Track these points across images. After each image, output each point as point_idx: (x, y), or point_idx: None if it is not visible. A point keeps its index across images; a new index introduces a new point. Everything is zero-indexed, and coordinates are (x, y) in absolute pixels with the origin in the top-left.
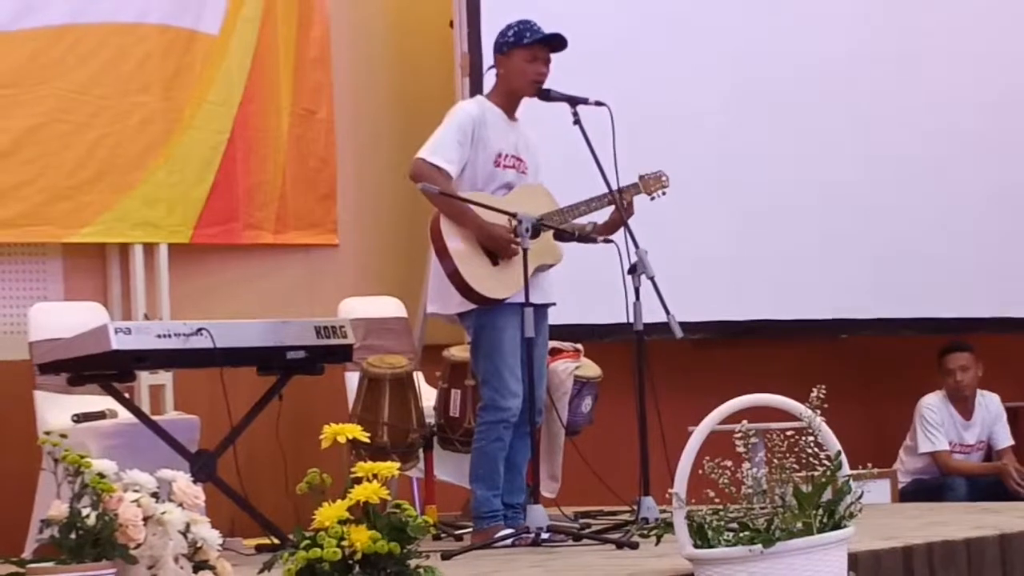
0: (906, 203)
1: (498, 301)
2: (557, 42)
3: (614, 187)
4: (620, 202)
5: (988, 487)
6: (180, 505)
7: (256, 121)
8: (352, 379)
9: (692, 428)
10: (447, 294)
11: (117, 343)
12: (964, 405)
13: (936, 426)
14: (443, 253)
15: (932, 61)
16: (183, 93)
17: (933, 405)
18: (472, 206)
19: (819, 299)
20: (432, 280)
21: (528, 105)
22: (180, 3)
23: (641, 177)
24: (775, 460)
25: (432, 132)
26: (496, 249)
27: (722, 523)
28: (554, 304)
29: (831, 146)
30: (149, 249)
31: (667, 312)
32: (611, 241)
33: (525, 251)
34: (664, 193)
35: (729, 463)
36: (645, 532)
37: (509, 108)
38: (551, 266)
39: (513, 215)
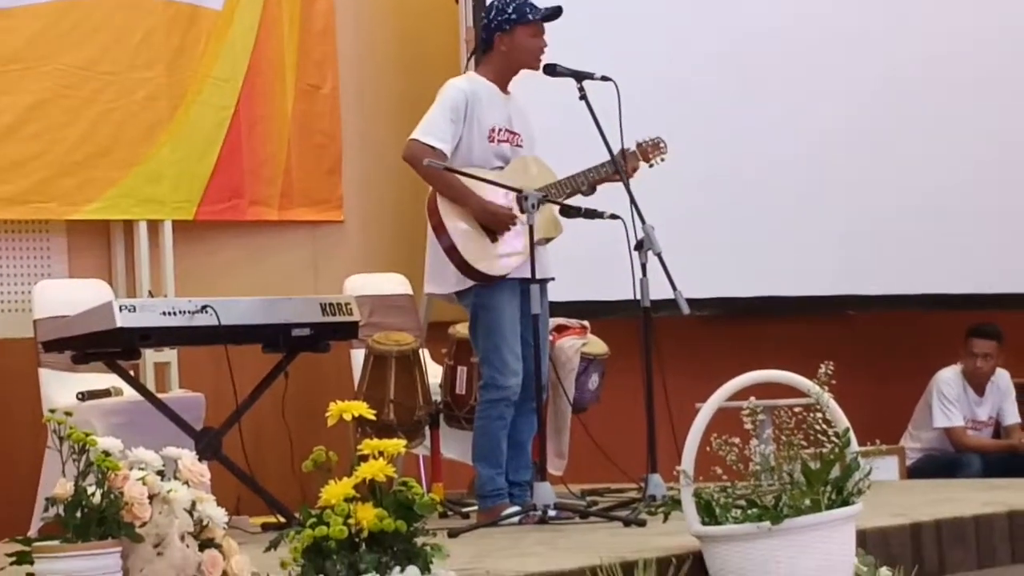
0: (915, 178)
1: (498, 278)
2: (556, 15)
3: (615, 154)
4: (622, 169)
5: (1002, 463)
6: (186, 483)
7: (261, 96)
8: (358, 356)
9: (699, 405)
10: (443, 273)
11: (122, 321)
12: (978, 383)
13: (952, 401)
14: (439, 228)
15: (935, 36)
16: (187, 69)
17: (950, 380)
18: (472, 183)
19: (826, 275)
20: (429, 260)
21: (522, 79)
22: None
23: (638, 144)
24: (783, 437)
25: None
26: (495, 226)
27: (730, 500)
28: (553, 279)
29: (838, 121)
30: (153, 226)
31: (674, 288)
32: (618, 217)
33: (531, 227)
34: (663, 159)
35: (737, 440)
36: (652, 509)
37: (502, 83)
38: (551, 239)
39: (519, 191)
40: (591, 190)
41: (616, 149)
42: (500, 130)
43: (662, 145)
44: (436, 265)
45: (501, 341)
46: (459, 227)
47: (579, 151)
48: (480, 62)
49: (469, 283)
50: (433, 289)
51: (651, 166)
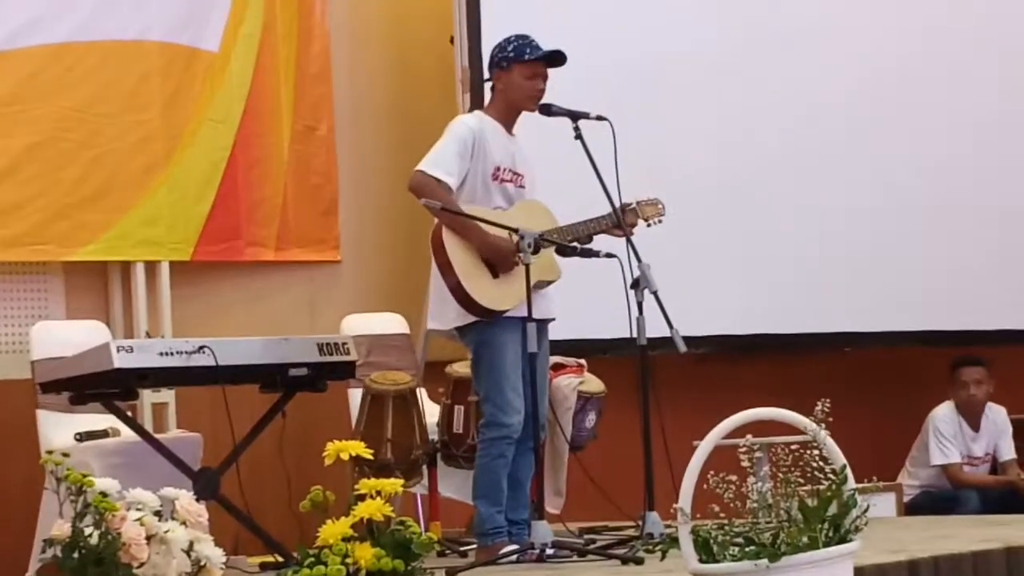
0: (910, 215)
1: (498, 313)
2: (557, 58)
3: (616, 203)
4: (623, 223)
5: (1000, 500)
6: (183, 523)
7: (257, 138)
8: (355, 396)
9: (696, 443)
10: (445, 309)
11: (119, 361)
12: (973, 418)
13: (949, 438)
14: (445, 266)
15: (935, 73)
16: (183, 110)
17: (946, 417)
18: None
19: (823, 312)
20: (431, 296)
21: (526, 119)
22: (180, 20)
23: (638, 202)
24: (780, 474)
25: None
26: (497, 262)
27: (727, 538)
28: (554, 319)
29: (834, 159)
30: (150, 267)
31: (670, 326)
32: (614, 256)
33: (527, 266)
34: (660, 221)
35: (734, 477)
36: (650, 547)
37: (507, 123)
38: (550, 283)
39: (515, 230)
40: (588, 239)
41: (613, 192)
42: (504, 170)
43: (660, 207)
44: (439, 301)
45: (503, 379)
46: (463, 262)
47: (579, 194)
48: (488, 101)
49: (471, 318)
50: (435, 325)
51: (649, 225)
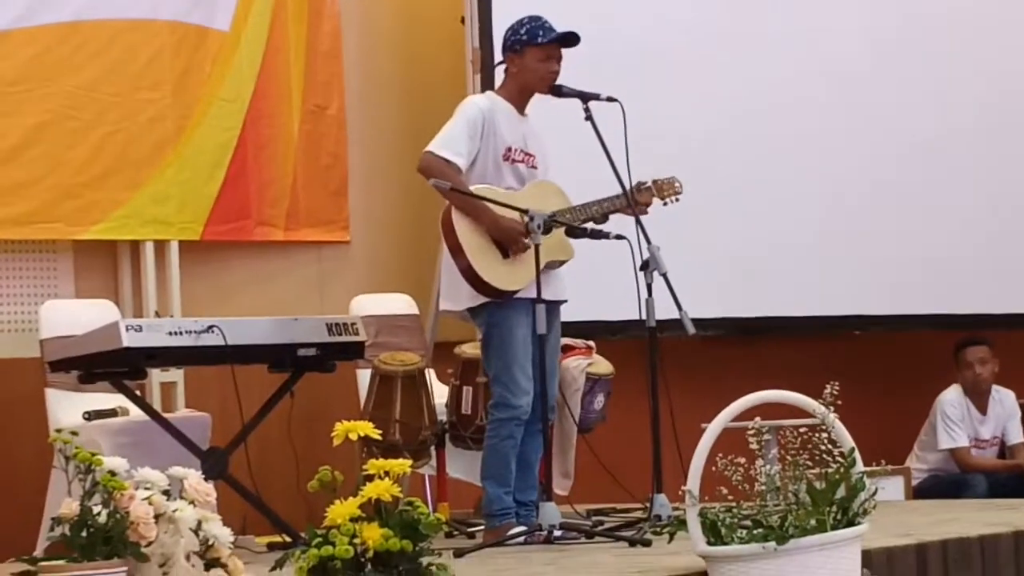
0: (919, 198)
1: (509, 293)
2: (571, 40)
3: (627, 185)
4: (635, 204)
5: (1008, 483)
6: (192, 503)
7: (267, 118)
8: (364, 376)
9: (705, 425)
10: (457, 290)
11: (128, 340)
12: (980, 400)
13: (957, 422)
14: (456, 248)
15: (938, 54)
16: (194, 90)
17: (953, 401)
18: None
19: (832, 295)
20: (443, 277)
21: (538, 100)
22: (188, 0)
23: (655, 181)
24: (788, 457)
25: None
26: (506, 242)
27: (735, 520)
28: (566, 301)
29: (843, 143)
30: (160, 246)
31: (679, 308)
32: (623, 237)
33: (537, 247)
34: (677, 199)
35: (742, 460)
36: (658, 529)
37: (519, 104)
38: (563, 262)
39: (525, 211)
40: (604, 219)
41: (624, 174)
42: (516, 150)
43: (677, 185)
44: (451, 282)
45: (512, 360)
46: (473, 244)
47: (591, 175)
48: (500, 83)
49: (482, 299)
50: (448, 306)
51: (665, 204)
